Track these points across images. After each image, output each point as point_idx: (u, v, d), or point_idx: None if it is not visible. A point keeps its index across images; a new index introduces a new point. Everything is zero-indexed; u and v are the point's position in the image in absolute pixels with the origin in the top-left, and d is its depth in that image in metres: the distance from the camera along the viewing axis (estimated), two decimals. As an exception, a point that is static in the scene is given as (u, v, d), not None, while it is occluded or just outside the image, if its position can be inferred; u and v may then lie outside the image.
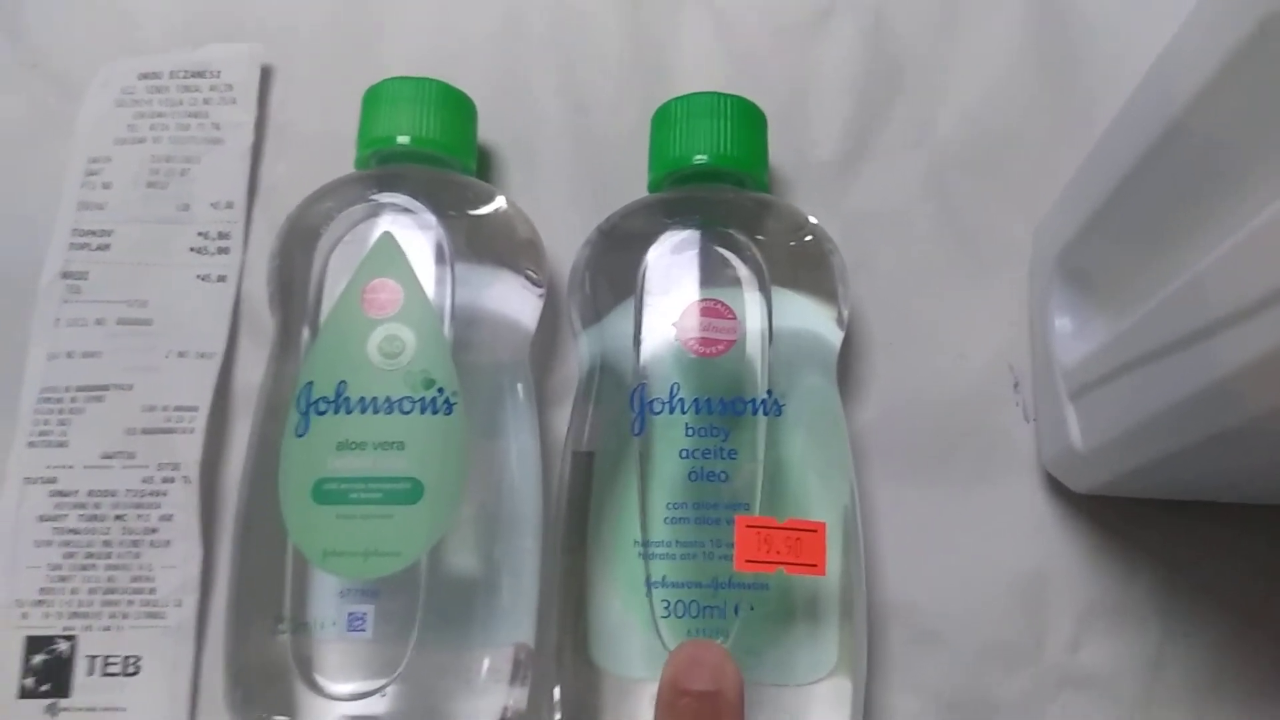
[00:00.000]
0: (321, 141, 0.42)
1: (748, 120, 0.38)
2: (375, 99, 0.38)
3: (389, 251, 0.34)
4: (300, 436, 0.33)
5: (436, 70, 0.39)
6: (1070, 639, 0.37)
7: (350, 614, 0.31)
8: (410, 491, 0.32)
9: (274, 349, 0.36)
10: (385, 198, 0.36)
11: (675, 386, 0.33)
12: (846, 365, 0.40)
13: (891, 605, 0.37)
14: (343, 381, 0.33)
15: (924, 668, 0.37)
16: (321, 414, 0.33)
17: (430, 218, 0.35)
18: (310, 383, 0.33)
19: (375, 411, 0.33)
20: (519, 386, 0.36)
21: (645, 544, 0.32)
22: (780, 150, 0.42)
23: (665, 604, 0.32)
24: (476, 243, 0.36)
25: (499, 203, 0.38)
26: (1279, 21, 0.23)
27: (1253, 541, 0.38)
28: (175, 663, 0.36)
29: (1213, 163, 0.27)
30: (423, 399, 0.33)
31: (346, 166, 0.39)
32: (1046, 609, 0.37)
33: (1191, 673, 0.37)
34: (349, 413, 0.33)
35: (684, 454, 0.33)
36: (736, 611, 0.31)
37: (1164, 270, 0.29)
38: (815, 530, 0.32)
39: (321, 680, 0.31)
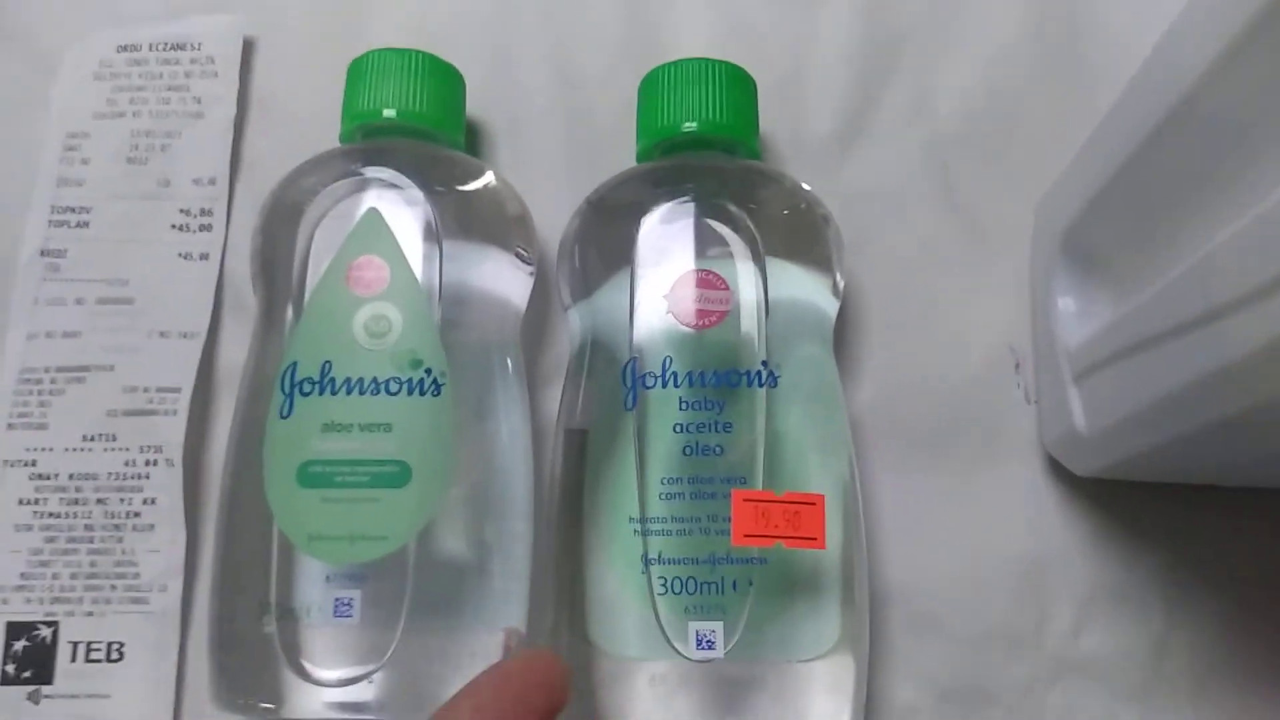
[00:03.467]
0: (306, 116, 0.41)
1: (737, 86, 0.37)
2: (360, 71, 0.37)
3: (375, 228, 0.34)
4: (284, 418, 0.32)
5: (424, 44, 0.38)
6: (1071, 624, 0.37)
7: (337, 599, 0.31)
8: (398, 475, 0.31)
9: (257, 328, 0.35)
10: (371, 172, 0.35)
11: (668, 360, 0.33)
12: (844, 346, 0.39)
13: (890, 589, 0.37)
14: (328, 361, 0.32)
15: (923, 653, 0.36)
16: (306, 395, 0.32)
17: (418, 193, 0.34)
18: (295, 363, 0.32)
19: (361, 393, 0.32)
20: (509, 365, 0.35)
21: (641, 520, 0.32)
22: (777, 124, 0.41)
23: (662, 580, 0.31)
24: (465, 219, 0.35)
25: (488, 178, 0.37)
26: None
27: (1256, 526, 0.37)
28: (160, 649, 0.36)
29: (1221, 143, 0.27)
30: (410, 380, 0.32)
31: (331, 141, 0.38)
32: (1047, 594, 0.37)
33: (1194, 658, 0.36)
34: (334, 394, 0.32)
35: (678, 428, 0.32)
36: (735, 587, 0.31)
37: (1171, 252, 0.29)
38: (814, 503, 0.31)
39: (308, 666, 0.31)
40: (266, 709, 0.31)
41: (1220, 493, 0.37)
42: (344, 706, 0.30)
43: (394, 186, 0.35)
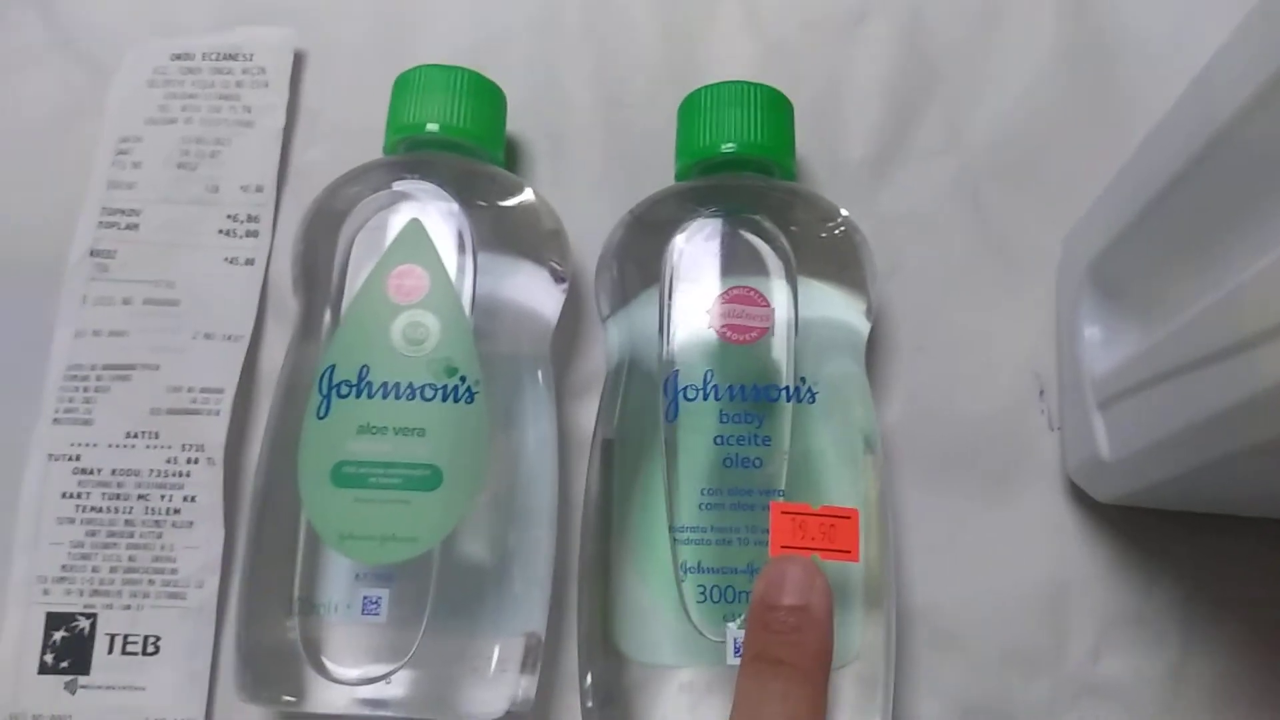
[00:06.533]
0: (353, 128, 0.42)
1: (775, 109, 0.38)
2: (406, 86, 0.38)
3: (416, 238, 0.34)
4: (321, 418, 0.33)
5: (469, 60, 0.39)
6: (1091, 648, 0.37)
7: (365, 597, 0.31)
8: (429, 478, 0.32)
9: (296, 331, 0.36)
10: (412, 184, 0.36)
11: (709, 373, 0.33)
12: (874, 367, 0.39)
13: (913, 609, 0.37)
14: (365, 365, 0.33)
15: (944, 672, 0.37)
16: (343, 397, 0.33)
17: (456, 206, 0.35)
18: (333, 365, 0.33)
19: (397, 397, 0.33)
20: (539, 377, 0.36)
21: (678, 530, 0.32)
22: (812, 148, 0.42)
23: (700, 589, 0.32)
24: (501, 233, 0.36)
25: (526, 194, 0.38)
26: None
27: (1273, 555, 0.37)
28: (195, 644, 0.37)
29: (1255, 180, 0.27)
30: (445, 387, 0.33)
31: (377, 153, 0.39)
32: (1067, 617, 0.37)
33: (1210, 684, 0.36)
34: (370, 397, 0.33)
35: (718, 440, 0.33)
36: None
37: (1201, 283, 0.29)
38: (849, 517, 0.31)
39: (331, 664, 0.31)
40: (288, 702, 0.31)
41: (1238, 521, 0.37)
42: (365, 703, 0.31)
43: (434, 199, 0.35)
